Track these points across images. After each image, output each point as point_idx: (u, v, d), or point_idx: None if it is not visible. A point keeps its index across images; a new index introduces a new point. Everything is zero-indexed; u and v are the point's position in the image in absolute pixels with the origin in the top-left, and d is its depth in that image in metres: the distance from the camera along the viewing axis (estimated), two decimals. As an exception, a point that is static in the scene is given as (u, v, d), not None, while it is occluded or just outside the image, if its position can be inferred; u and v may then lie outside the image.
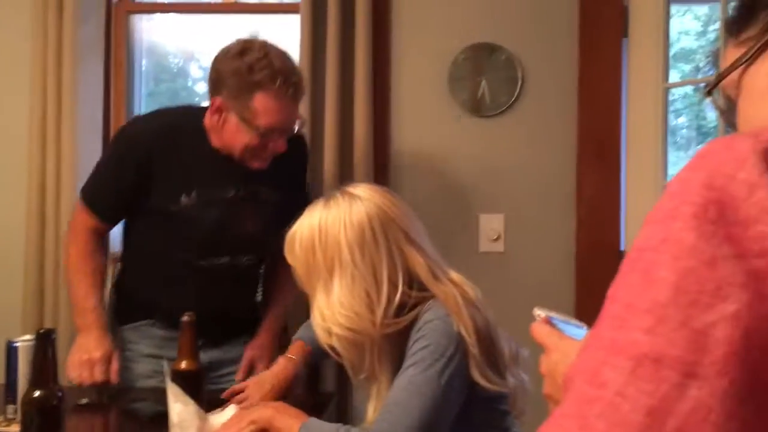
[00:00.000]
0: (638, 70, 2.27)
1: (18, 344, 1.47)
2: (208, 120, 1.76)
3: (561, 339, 0.76)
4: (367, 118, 2.31)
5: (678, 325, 0.44)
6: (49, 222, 2.34)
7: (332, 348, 1.35)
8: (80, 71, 2.35)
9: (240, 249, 1.85)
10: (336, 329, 1.31)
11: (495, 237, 2.38)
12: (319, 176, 2.33)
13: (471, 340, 1.30)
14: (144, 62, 2.70)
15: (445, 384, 1.27)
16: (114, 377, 1.69)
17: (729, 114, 0.70)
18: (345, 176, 2.27)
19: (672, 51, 2.39)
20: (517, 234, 2.38)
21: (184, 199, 1.76)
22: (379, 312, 1.31)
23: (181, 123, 1.81)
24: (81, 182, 2.34)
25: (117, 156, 1.83)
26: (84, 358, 1.68)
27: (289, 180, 1.53)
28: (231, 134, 1.72)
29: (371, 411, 1.38)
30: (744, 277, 0.44)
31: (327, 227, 1.33)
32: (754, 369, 0.43)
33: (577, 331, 0.79)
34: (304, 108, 2.32)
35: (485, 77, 2.37)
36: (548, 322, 0.80)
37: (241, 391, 1.62)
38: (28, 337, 1.48)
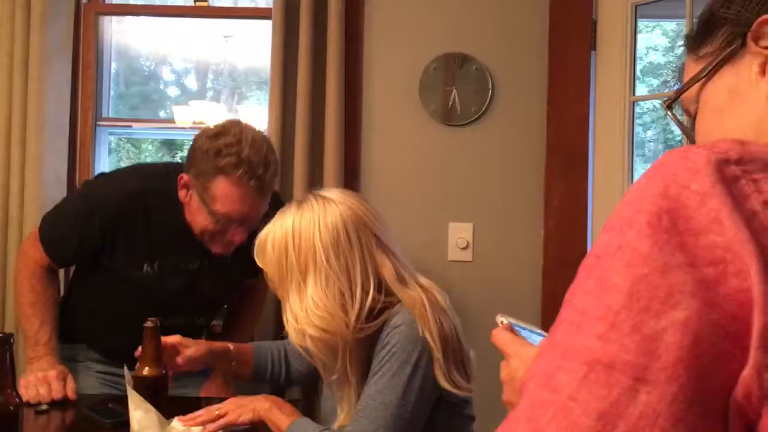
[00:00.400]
0: (606, 83, 2.31)
1: (-25, 348, 1.44)
2: (180, 196, 1.73)
3: (522, 346, 0.76)
4: (338, 125, 2.31)
5: (630, 330, 0.45)
6: (13, 224, 2.29)
7: (305, 349, 1.36)
8: (48, 72, 2.32)
9: (197, 312, 1.87)
10: (310, 330, 1.31)
11: (464, 246, 2.39)
12: (290, 183, 2.32)
13: (436, 345, 1.30)
14: (114, 65, 2.67)
15: (412, 392, 1.28)
16: (71, 394, 1.65)
17: (688, 128, 0.71)
18: (315, 183, 2.27)
19: (640, 66, 2.44)
20: (486, 243, 2.40)
21: (146, 268, 1.74)
22: (353, 313, 1.31)
23: (156, 189, 1.75)
24: (46, 185, 2.32)
25: (84, 213, 1.74)
26: (39, 376, 1.64)
27: (246, 247, 1.50)
28: (192, 213, 1.70)
29: (342, 414, 1.39)
30: (695, 285, 0.44)
31: (301, 229, 1.34)
32: (703, 375, 0.44)
33: (540, 339, 0.80)
34: (274, 114, 2.32)
35: (456, 87, 2.39)
36: (510, 329, 0.81)
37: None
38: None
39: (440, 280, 1.48)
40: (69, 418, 1.60)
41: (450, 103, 2.39)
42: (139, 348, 1.45)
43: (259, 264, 1.41)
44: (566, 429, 0.44)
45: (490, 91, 2.39)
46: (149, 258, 1.74)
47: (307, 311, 1.31)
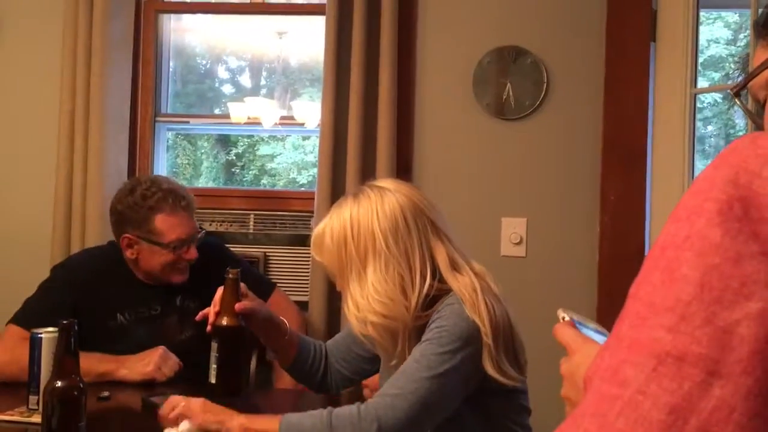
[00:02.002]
0: (666, 75, 2.25)
1: (42, 335, 1.49)
2: (127, 256, 1.92)
3: (584, 342, 0.75)
4: (391, 120, 2.31)
5: (702, 322, 0.43)
6: (76, 215, 2.38)
7: (367, 337, 1.37)
8: (109, 68, 2.39)
9: (188, 358, 1.92)
10: (371, 317, 1.32)
11: (517, 241, 2.36)
12: (342, 178, 2.33)
13: (485, 330, 1.30)
14: (172, 63, 2.74)
15: (454, 366, 1.28)
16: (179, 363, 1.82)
17: (756, 116, 0.69)
18: (368, 178, 2.26)
19: (701, 59, 2.36)
20: (540, 238, 2.37)
21: (119, 317, 1.91)
22: (413, 298, 1.33)
23: (103, 257, 1.97)
24: (108, 178, 2.39)
25: (56, 279, 1.94)
26: (147, 361, 1.78)
27: (207, 285, 1.57)
28: (147, 260, 1.89)
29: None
30: None
31: (359, 218, 1.36)
32: None
33: (600, 336, 0.78)
34: (327, 109, 2.33)
35: (510, 80, 2.36)
36: (572, 324, 0.79)
37: None
38: (51, 329, 1.50)
39: (493, 276, 1.46)
40: (129, 405, 1.65)
41: (504, 97, 2.37)
42: (216, 297, 1.47)
43: (318, 258, 1.42)
44: (635, 423, 0.43)
45: (545, 85, 2.36)
46: (120, 309, 1.91)
47: (368, 298, 1.32)
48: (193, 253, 1.88)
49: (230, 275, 1.45)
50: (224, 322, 1.43)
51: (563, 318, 0.80)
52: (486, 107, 2.38)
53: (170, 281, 1.91)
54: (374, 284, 1.32)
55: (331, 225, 1.38)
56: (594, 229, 2.32)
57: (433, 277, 1.35)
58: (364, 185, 1.45)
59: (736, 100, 0.69)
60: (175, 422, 1.31)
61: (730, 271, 0.44)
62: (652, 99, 2.27)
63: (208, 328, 1.44)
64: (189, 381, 1.90)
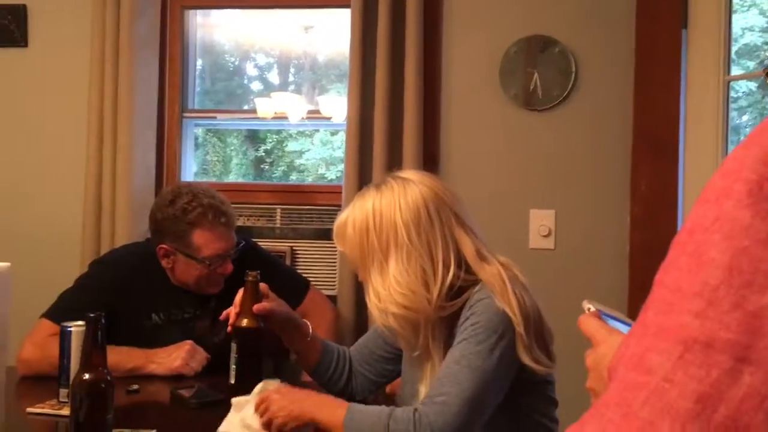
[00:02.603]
0: (698, 63, 2.19)
1: (71, 329, 1.51)
2: (162, 264, 1.92)
3: (610, 333, 0.73)
4: (417, 113, 2.30)
5: (731, 307, 0.41)
6: (105, 211, 2.41)
7: (388, 328, 1.37)
8: (136, 66, 2.41)
9: (219, 360, 1.93)
10: (392, 308, 1.32)
11: (545, 233, 2.33)
12: (368, 172, 2.33)
13: (516, 320, 1.29)
14: (200, 61, 2.75)
15: (496, 360, 1.27)
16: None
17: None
18: (394, 168, 2.25)
19: (735, 47, 2.30)
20: (569, 231, 2.33)
21: (154, 317, 1.92)
22: (435, 290, 1.32)
23: (135, 259, 1.96)
24: (136, 175, 2.41)
25: (93, 275, 1.95)
26: (175, 356, 1.79)
27: (237, 288, 1.57)
28: (182, 272, 1.89)
29: (423, 391, 1.38)
30: None
31: (381, 209, 1.35)
32: None
33: (626, 327, 0.76)
34: (353, 102, 2.33)
35: (537, 70, 2.32)
36: (597, 315, 0.78)
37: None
38: (81, 322, 1.52)
39: (521, 269, 1.44)
40: (158, 398, 1.67)
41: (531, 87, 2.33)
42: (236, 299, 1.48)
43: (340, 247, 1.42)
44: (661, 412, 0.41)
45: (574, 74, 2.32)
46: (154, 309, 1.92)
47: (389, 290, 1.32)
48: (228, 268, 1.87)
49: (249, 277, 1.46)
50: (243, 323, 1.44)
51: (588, 309, 0.79)
52: (513, 98, 2.35)
53: (206, 293, 1.92)
54: (396, 276, 1.32)
55: (353, 215, 1.38)
56: (624, 220, 2.28)
57: (459, 267, 1.35)
58: (388, 176, 1.44)
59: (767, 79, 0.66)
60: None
61: (760, 253, 0.42)
62: (684, 87, 2.22)
63: (228, 329, 1.45)
64: (216, 373, 1.92)
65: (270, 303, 1.48)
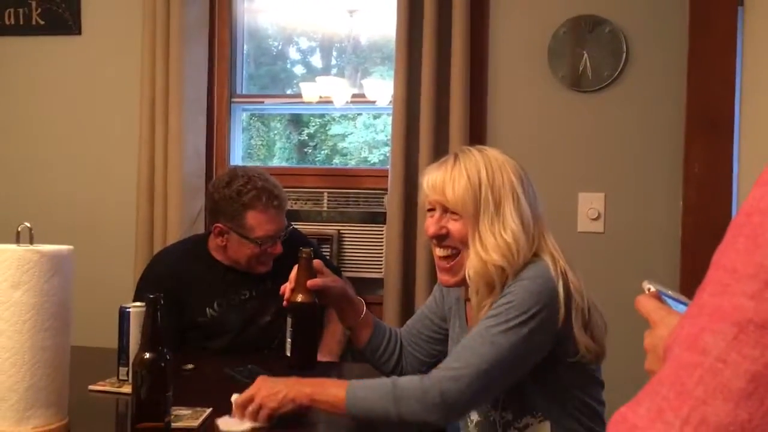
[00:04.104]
0: (755, 41, 2.12)
1: (130, 309, 1.56)
2: (212, 242, 2.01)
3: (668, 314, 0.73)
4: (464, 96, 2.29)
5: None
6: (158, 195, 2.46)
7: (474, 279, 1.37)
8: (186, 52, 2.46)
9: (262, 342, 2.00)
10: (495, 257, 1.33)
11: (595, 216, 2.30)
12: (415, 154, 2.33)
13: (578, 297, 1.32)
14: (245, 46, 2.78)
15: (520, 341, 1.28)
16: None
17: None
18: (440, 152, 2.26)
19: (793, 20, 2.22)
20: (619, 214, 2.30)
21: (209, 311, 1.98)
22: (533, 246, 1.36)
23: (186, 255, 2.04)
24: (187, 160, 2.46)
25: (148, 273, 2.03)
26: None
27: (289, 270, 1.57)
28: (234, 250, 1.97)
29: None
30: None
31: (490, 163, 1.39)
32: None
33: (686, 308, 0.75)
34: (400, 85, 2.32)
35: (587, 51, 2.29)
36: (657, 296, 0.77)
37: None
38: (138, 303, 1.56)
39: (570, 253, 1.43)
40: (212, 377, 1.71)
41: (581, 68, 2.30)
42: (291, 275, 1.51)
43: (438, 196, 1.40)
44: (715, 391, 0.42)
45: (624, 54, 2.27)
46: (209, 303, 1.98)
47: (498, 238, 1.34)
48: (278, 248, 1.94)
49: (303, 254, 1.49)
50: (298, 298, 1.47)
51: (648, 289, 0.78)
52: (562, 79, 2.32)
53: (256, 272, 1.98)
54: (511, 226, 1.34)
55: (465, 166, 1.38)
56: (676, 203, 2.24)
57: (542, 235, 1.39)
58: (459, 151, 1.45)
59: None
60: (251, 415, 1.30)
61: None
62: (739, 66, 2.16)
63: (284, 303, 1.48)
64: (267, 352, 1.97)
65: (323, 279, 1.50)
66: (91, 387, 1.55)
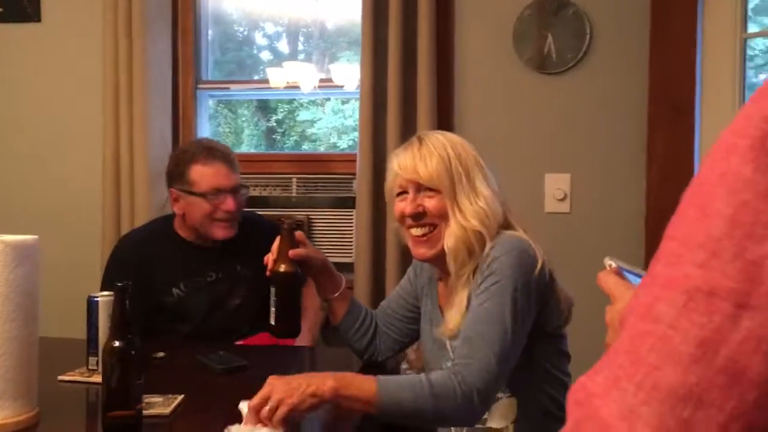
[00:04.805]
0: (714, 21, 2.17)
1: (98, 299, 1.55)
2: (177, 220, 2.02)
3: (628, 289, 0.75)
4: (431, 79, 2.29)
5: (732, 257, 0.44)
6: (124, 183, 2.44)
7: (453, 248, 1.41)
8: (149, 38, 2.43)
9: (231, 326, 1.99)
10: (474, 223, 1.40)
11: (561, 197, 2.34)
12: (383, 138, 2.33)
13: (540, 264, 1.37)
14: (210, 32, 2.75)
15: (519, 314, 1.34)
16: None
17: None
18: (408, 134, 2.25)
19: (751, 4, 2.27)
20: (584, 194, 2.34)
21: (175, 291, 1.97)
22: (500, 214, 1.43)
23: (152, 235, 2.04)
24: (153, 146, 2.44)
25: (114, 257, 2.02)
26: None
27: (259, 255, 1.57)
28: (190, 215, 1.96)
29: (451, 317, 1.43)
30: None
31: (454, 141, 1.48)
32: None
33: None
34: (366, 70, 2.32)
35: (551, 33, 2.31)
36: (618, 272, 0.79)
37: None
38: (107, 293, 1.55)
39: (537, 233, 1.47)
40: (184, 364, 1.70)
41: (545, 51, 2.32)
42: (273, 246, 1.52)
43: (419, 177, 1.44)
44: (666, 357, 0.44)
45: (588, 36, 2.30)
46: (175, 283, 1.97)
47: (476, 205, 1.41)
48: (230, 204, 1.92)
49: (285, 225, 1.51)
50: (281, 268, 1.48)
51: (609, 265, 0.80)
52: (527, 62, 2.34)
53: (213, 236, 1.95)
54: (484, 194, 1.42)
55: (432, 145, 1.45)
56: (640, 183, 2.28)
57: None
58: (423, 132, 1.54)
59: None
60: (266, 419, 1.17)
61: (760, 206, 0.44)
62: (700, 47, 2.20)
63: (267, 273, 1.49)
64: (237, 339, 1.96)
65: (306, 249, 1.52)
66: (60, 377, 1.54)
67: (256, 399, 1.19)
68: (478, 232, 1.39)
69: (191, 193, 1.93)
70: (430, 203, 1.44)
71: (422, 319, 1.60)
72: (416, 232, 1.45)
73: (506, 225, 1.44)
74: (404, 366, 1.84)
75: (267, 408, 1.17)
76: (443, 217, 1.43)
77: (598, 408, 0.47)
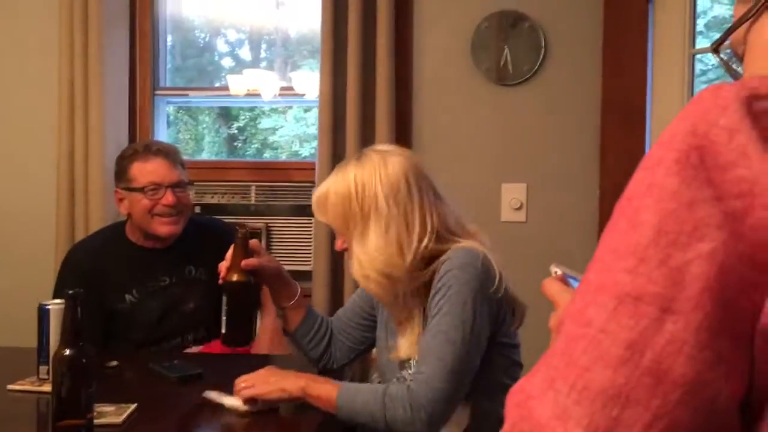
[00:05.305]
0: (664, 36, 2.23)
1: (49, 307, 1.52)
2: (128, 225, 2.01)
3: (570, 295, 0.77)
4: (389, 88, 2.32)
5: (657, 263, 0.46)
6: (79, 192, 2.40)
7: (372, 294, 1.46)
8: (106, 42, 2.40)
9: (185, 330, 1.99)
10: (372, 274, 1.39)
11: (517, 206, 2.38)
12: (342, 146, 2.35)
13: (504, 279, 1.39)
14: (170, 38, 2.73)
15: (471, 330, 1.34)
16: None
17: (737, 72, 0.70)
18: (367, 143, 2.28)
19: (704, 20, 2.35)
20: (540, 204, 2.38)
21: (128, 297, 1.95)
22: (409, 257, 1.38)
23: (104, 242, 2.02)
24: (108, 153, 2.41)
25: (64, 270, 1.99)
26: None
27: (214, 258, 1.60)
28: (134, 212, 1.96)
29: (405, 345, 1.45)
30: (721, 218, 0.45)
31: (363, 179, 1.40)
32: (729, 303, 0.45)
33: None
34: (326, 78, 2.33)
35: (508, 45, 2.35)
36: (563, 279, 0.81)
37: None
38: (58, 300, 1.53)
39: (493, 242, 1.49)
40: (137, 373, 1.69)
41: (502, 62, 2.36)
42: (228, 254, 1.51)
43: (321, 218, 1.47)
44: (597, 359, 0.46)
45: (543, 49, 2.35)
46: (128, 289, 1.95)
47: (369, 256, 1.38)
48: (169, 198, 1.92)
49: (239, 234, 1.50)
50: (233, 277, 1.48)
51: (555, 272, 0.82)
52: (485, 73, 2.38)
53: (156, 232, 1.94)
54: (376, 243, 1.38)
55: (335, 186, 1.42)
56: (594, 191, 2.33)
57: (430, 238, 1.40)
58: (367, 149, 1.49)
59: (716, 56, 0.70)
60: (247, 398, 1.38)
61: (684, 215, 0.46)
62: (650, 61, 2.26)
63: (220, 281, 1.49)
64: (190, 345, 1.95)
65: (259, 258, 1.51)
66: (9, 386, 1.51)
67: (242, 378, 1.39)
68: (378, 281, 1.39)
69: (131, 190, 1.94)
70: (339, 244, 1.49)
71: (378, 327, 1.61)
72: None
73: (462, 235, 1.44)
74: (374, 375, 1.85)
75: (242, 386, 1.37)
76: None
77: (533, 409, 0.49)
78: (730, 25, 0.71)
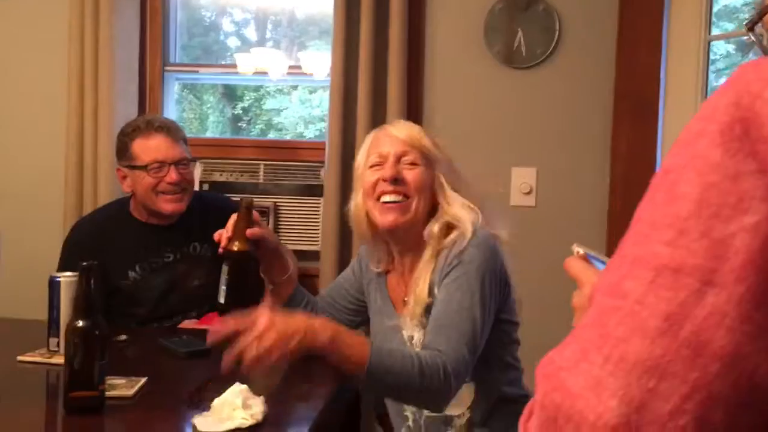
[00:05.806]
0: (680, 22, 2.21)
1: (60, 279, 1.52)
2: (132, 201, 1.99)
3: (594, 274, 0.77)
4: (401, 70, 2.30)
5: (699, 236, 0.46)
6: (87, 166, 2.39)
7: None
8: (117, 18, 2.38)
9: (189, 307, 1.97)
10: (461, 213, 1.47)
11: (527, 191, 2.37)
12: (353, 127, 2.33)
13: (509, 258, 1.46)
14: (179, 15, 2.72)
15: (489, 307, 1.40)
16: None
17: (771, 50, 0.69)
18: (377, 125, 2.26)
19: (714, 9, 2.32)
20: (550, 188, 2.37)
21: (131, 274, 1.94)
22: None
23: (108, 218, 2.01)
24: (118, 129, 2.39)
25: (68, 244, 2.00)
26: None
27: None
28: (137, 190, 1.94)
29: (411, 308, 1.48)
30: (766, 191, 0.45)
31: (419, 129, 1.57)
32: None
33: None
34: (337, 60, 2.32)
35: (521, 28, 2.33)
36: (585, 258, 0.81)
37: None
38: (69, 273, 1.53)
39: (503, 225, 1.50)
40: (147, 348, 1.69)
41: (515, 45, 2.34)
42: (229, 223, 1.50)
43: (424, 144, 1.54)
44: (633, 331, 0.46)
45: (557, 33, 2.33)
46: (131, 265, 1.94)
47: (463, 199, 1.50)
48: (172, 176, 1.90)
49: (243, 203, 1.50)
50: (235, 247, 1.47)
51: (577, 252, 0.82)
52: (497, 55, 2.36)
53: (162, 210, 1.93)
54: (464, 179, 1.55)
55: (413, 129, 1.57)
56: (604, 179, 2.32)
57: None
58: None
59: (751, 34, 0.69)
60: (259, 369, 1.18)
61: (728, 187, 0.46)
62: (665, 48, 2.24)
63: (220, 250, 1.48)
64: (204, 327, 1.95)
65: (262, 229, 1.51)
66: (20, 358, 1.51)
67: (250, 336, 1.18)
68: (459, 223, 1.44)
69: (134, 168, 1.91)
70: (409, 174, 1.49)
71: (371, 313, 1.62)
72: (388, 198, 1.47)
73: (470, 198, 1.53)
74: None
75: (255, 353, 1.17)
76: (419, 190, 1.48)
77: (564, 380, 0.48)
78: (761, 5, 0.70)
